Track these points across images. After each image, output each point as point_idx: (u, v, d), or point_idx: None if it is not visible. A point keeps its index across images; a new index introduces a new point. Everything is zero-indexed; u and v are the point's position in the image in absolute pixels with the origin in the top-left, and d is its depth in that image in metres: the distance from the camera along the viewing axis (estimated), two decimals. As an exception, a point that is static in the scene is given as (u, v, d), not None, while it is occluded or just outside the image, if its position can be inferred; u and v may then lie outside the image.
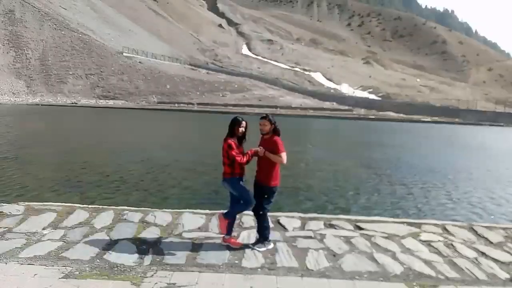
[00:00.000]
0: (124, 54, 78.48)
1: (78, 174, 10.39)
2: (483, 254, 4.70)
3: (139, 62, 78.20)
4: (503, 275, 4.15)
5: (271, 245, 4.60)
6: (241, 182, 4.56)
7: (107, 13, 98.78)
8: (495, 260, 4.53)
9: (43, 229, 4.96)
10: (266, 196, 4.52)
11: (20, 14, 76.90)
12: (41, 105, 54.60)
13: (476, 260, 4.52)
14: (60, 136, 20.72)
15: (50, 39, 75.54)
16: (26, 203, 6.00)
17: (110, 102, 64.40)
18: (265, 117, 4.57)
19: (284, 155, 4.43)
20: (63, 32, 77.52)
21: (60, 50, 74.38)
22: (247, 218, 5.61)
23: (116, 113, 43.23)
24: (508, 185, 11.55)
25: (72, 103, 60.36)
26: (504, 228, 5.71)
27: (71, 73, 71.45)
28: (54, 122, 30.13)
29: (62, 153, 14.10)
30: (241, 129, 4.50)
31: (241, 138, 4.57)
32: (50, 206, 5.87)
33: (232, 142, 4.43)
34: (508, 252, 4.80)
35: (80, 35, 78.32)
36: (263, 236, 4.59)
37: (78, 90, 68.73)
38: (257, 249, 4.48)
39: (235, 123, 4.48)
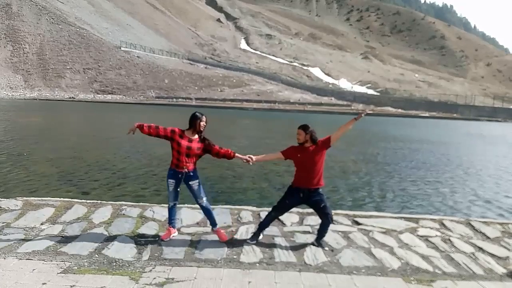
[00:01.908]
0: (122, 48, 78.19)
1: (76, 169, 10.37)
2: (480, 249, 4.73)
3: (137, 56, 77.95)
4: (500, 270, 4.18)
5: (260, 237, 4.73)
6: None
7: (105, 7, 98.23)
8: (492, 255, 4.55)
9: (42, 224, 4.96)
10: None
11: (17, 8, 76.48)
12: (39, 99, 54.49)
13: (473, 255, 4.54)
14: (58, 130, 20.67)
15: (48, 33, 75.18)
16: (24, 198, 5.99)
17: (108, 97, 64.28)
18: (300, 126, 4.45)
19: None
20: (60, 26, 77.14)
21: (57, 44, 74.06)
22: (246, 213, 5.62)
23: (114, 108, 43.12)
24: (505, 180, 11.60)
25: (70, 97, 60.22)
26: (501, 223, 5.74)
27: (68, 67, 71.21)
28: (52, 116, 30.04)
29: (60, 148, 14.07)
30: (202, 124, 4.41)
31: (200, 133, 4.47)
32: (48, 201, 5.87)
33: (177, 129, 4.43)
34: (505, 247, 4.82)
35: (78, 29, 77.95)
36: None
37: (76, 85, 68.55)
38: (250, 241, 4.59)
39: (197, 118, 4.39)
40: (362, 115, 4.53)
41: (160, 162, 11.92)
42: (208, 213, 4.64)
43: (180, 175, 4.43)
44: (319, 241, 4.58)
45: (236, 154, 4.58)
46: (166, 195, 8.02)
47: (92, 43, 76.46)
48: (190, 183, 4.49)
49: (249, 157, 4.62)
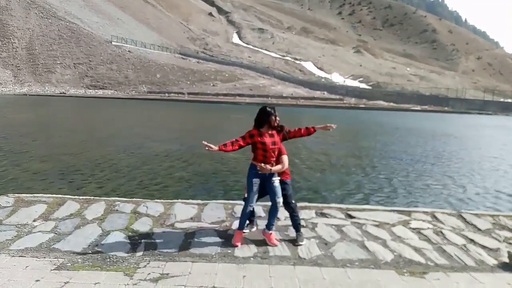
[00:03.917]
0: (113, 43, 77.36)
1: (68, 165, 10.30)
2: (471, 241, 4.79)
3: (128, 51, 77.19)
4: (491, 261, 4.24)
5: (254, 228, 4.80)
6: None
7: (95, 1, 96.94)
8: (483, 247, 4.61)
9: (34, 221, 4.92)
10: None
11: (5, 2, 75.16)
12: (29, 95, 53.85)
13: (465, 247, 4.60)
14: (49, 126, 20.47)
15: (37, 28, 74.12)
16: (16, 194, 5.94)
17: (99, 92, 63.69)
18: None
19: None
20: (50, 21, 76.08)
21: (47, 39, 73.06)
22: (239, 208, 5.61)
23: (105, 103, 42.77)
24: (496, 173, 11.74)
25: (61, 93, 59.59)
26: (492, 215, 5.81)
27: (59, 62, 70.33)
28: (42, 112, 29.72)
29: (51, 144, 13.95)
30: (277, 118, 4.33)
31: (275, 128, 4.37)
32: (40, 197, 5.82)
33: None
34: (496, 239, 4.89)
35: (68, 24, 76.93)
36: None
37: (67, 80, 67.78)
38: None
39: (269, 114, 4.27)
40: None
41: (153, 157, 11.88)
42: (274, 214, 4.48)
43: (266, 173, 4.33)
44: (297, 235, 4.60)
45: (316, 127, 4.54)
46: (159, 190, 8.03)
47: (83, 38, 75.52)
48: (273, 179, 4.36)
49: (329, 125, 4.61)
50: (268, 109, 4.29)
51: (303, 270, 3.85)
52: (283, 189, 4.44)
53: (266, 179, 4.35)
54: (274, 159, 4.33)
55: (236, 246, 4.35)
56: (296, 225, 4.56)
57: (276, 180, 4.37)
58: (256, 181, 4.34)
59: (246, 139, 4.25)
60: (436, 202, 8.11)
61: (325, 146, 15.54)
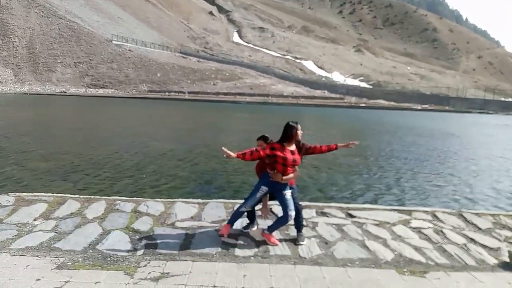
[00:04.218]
0: (114, 42, 77.35)
1: (69, 164, 10.30)
2: (472, 240, 4.79)
3: (129, 50, 77.19)
4: (492, 260, 4.24)
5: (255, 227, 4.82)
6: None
7: (95, 0, 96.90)
8: (484, 246, 4.61)
9: (35, 220, 4.92)
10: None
11: (6, 1, 75.14)
12: (29, 94, 53.88)
13: (465, 246, 4.60)
14: (49, 125, 20.47)
15: (38, 27, 74.11)
16: (16, 193, 5.94)
17: (100, 91, 63.70)
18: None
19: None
20: (50, 20, 76.06)
21: (47, 38, 73.05)
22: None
23: (106, 102, 42.77)
24: (497, 172, 11.73)
25: (61, 92, 59.60)
26: (492, 215, 5.81)
27: (59, 61, 70.33)
28: (43, 111, 29.73)
29: (52, 143, 13.95)
30: (300, 132, 4.33)
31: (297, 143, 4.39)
32: (41, 196, 5.82)
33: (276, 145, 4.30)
34: (496, 238, 4.89)
35: (68, 23, 76.91)
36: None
37: (67, 79, 67.78)
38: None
39: (293, 128, 4.28)
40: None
41: (154, 156, 11.87)
42: (281, 223, 4.44)
43: (276, 185, 4.33)
44: (298, 235, 4.59)
45: (339, 145, 4.59)
46: (159, 190, 8.03)
47: (83, 37, 75.51)
48: (284, 192, 4.34)
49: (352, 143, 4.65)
50: (292, 123, 4.29)
51: (303, 269, 3.85)
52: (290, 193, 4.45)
53: (276, 191, 4.36)
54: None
55: (222, 235, 4.46)
56: (299, 225, 4.56)
57: (288, 193, 4.36)
58: (263, 189, 4.36)
59: (267, 150, 4.25)
60: (436, 201, 8.11)
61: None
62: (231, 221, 4.54)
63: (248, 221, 4.85)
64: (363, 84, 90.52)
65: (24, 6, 76.29)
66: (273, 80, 76.11)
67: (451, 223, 5.34)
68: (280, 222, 4.42)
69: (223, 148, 4.05)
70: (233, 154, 4.07)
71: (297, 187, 4.65)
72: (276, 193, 4.37)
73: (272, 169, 4.30)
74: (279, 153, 4.22)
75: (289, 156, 4.23)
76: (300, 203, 4.55)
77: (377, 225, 5.15)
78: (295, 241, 4.48)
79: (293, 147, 4.31)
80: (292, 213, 4.31)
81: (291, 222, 4.47)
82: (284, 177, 4.26)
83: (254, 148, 4.25)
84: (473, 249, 4.52)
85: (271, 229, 4.48)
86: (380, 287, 3.56)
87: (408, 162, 12.70)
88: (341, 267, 3.92)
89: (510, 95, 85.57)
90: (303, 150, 4.41)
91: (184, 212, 5.37)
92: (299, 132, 4.31)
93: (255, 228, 4.82)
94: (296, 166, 4.36)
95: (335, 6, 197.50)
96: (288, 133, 4.26)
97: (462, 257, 4.28)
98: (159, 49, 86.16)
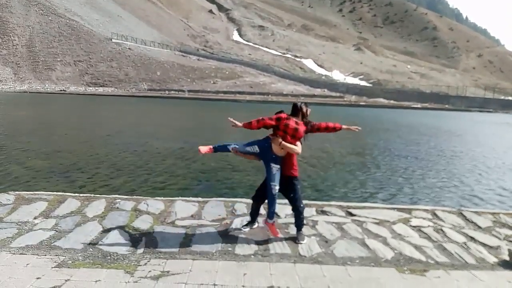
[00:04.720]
0: (113, 40, 77.21)
1: (68, 163, 10.30)
2: (472, 238, 4.79)
3: (129, 48, 77.04)
4: (492, 259, 4.24)
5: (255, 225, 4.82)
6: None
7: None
8: (484, 245, 4.62)
9: (35, 218, 4.92)
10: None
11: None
12: (29, 92, 53.80)
13: (465, 244, 4.60)
14: (49, 123, 20.46)
15: (37, 25, 73.96)
16: (16, 192, 5.94)
17: (100, 89, 63.60)
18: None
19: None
20: (50, 18, 75.91)
21: (47, 36, 72.91)
22: (240, 205, 5.63)
23: (105, 101, 42.74)
24: (497, 171, 11.74)
25: (61, 90, 59.51)
26: (492, 213, 5.81)
27: (59, 59, 70.22)
28: (42, 109, 29.71)
29: (52, 141, 13.95)
30: (309, 110, 4.50)
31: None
32: (41, 195, 5.82)
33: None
34: (496, 237, 4.89)
35: (68, 21, 76.75)
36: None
37: (67, 77, 67.70)
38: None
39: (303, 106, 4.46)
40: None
41: (154, 155, 11.87)
42: (270, 201, 4.44)
43: (268, 153, 4.39)
44: (298, 233, 4.57)
45: (343, 126, 4.63)
46: (159, 188, 8.03)
47: (83, 35, 75.35)
48: (272, 164, 4.38)
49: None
50: (301, 103, 4.47)
51: (303, 267, 3.85)
52: (292, 190, 4.43)
53: (266, 160, 4.38)
54: None
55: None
56: (299, 224, 4.55)
57: (275, 168, 4.35)
58: (255, 148, 4.39)
59: (273, 119, 4.34)
60: (436, 200, 8.11)
61: (325, 144, 15.53)
62: (216, 147, 4.44)
63: (248, 220, 4.85)
64: (363, 83, 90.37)
65: (23, 4, 76.11)
66: (273, 79, 75.99)
67: (451, 222, 5.35)
68: (269, 201, 4.43)
69: (229, 118, 4.26)
70: (239, 124, 4.27)
71: (300, 182, 4.56)
72: (265, 163, 4.39)
73: (273, 135, 4.36)
74: (284, 121, 4.29)
75: (292, 124, 4.29)
76: (302, 205, 4.48)
77: (377, 223, 5.15)
78: (295, 240, 4.48)
79: (299, 120, 4.40)
80: (275, 187, 4.32)
81: (290, 216, 4.45)
82: (282, 143, 4.27)
83: (261, 117, 4.34)
84: (473, 247, 4.52)
85: (271, 215, 4.48)
86: (380, 286, 3.56)
87: (408, 161, 12.71)
88: (341, 266, 3.92)
89: (510, 93, 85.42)
90: (308, 126, 4.45)
91: (184, 210, 5.38)
92: (308, 109, 4.46)
93: (255, 226, 4.82)
94: (298, 142, 4.37)
95: (335, 4, 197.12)
96: (297, 108, 4.41)
97: (462, 255, 4.29)
98: (159, 48, 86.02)
